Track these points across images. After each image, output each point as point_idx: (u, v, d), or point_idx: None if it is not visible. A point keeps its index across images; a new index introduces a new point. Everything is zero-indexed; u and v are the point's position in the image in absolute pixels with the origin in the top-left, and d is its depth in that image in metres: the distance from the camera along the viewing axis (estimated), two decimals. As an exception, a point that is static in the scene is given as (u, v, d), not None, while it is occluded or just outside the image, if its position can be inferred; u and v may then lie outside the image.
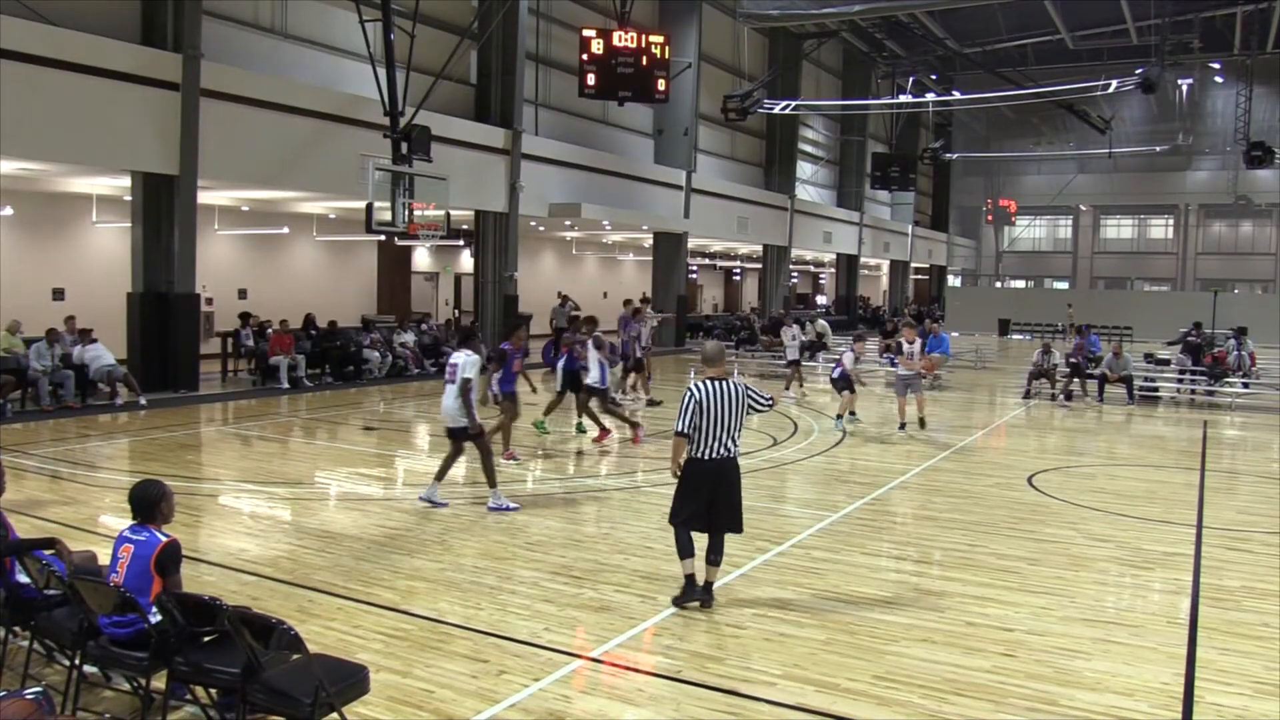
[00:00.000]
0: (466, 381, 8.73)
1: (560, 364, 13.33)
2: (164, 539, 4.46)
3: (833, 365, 14.12)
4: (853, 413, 14.53)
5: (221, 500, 9.37)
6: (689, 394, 6.28)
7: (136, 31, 15.82)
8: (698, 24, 29.68)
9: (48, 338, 14.59)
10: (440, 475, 9.10)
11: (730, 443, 6.32)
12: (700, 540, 6.42)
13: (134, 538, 4.49)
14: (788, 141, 37.47)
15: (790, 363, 18.58)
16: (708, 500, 6.29)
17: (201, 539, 7.83)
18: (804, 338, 19.46)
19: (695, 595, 6.34)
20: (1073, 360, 18.88)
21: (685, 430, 6.28)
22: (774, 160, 37.40)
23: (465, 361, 8.80)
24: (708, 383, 6.30)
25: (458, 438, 8.97)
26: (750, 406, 6.41)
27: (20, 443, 11.76)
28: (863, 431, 14.13)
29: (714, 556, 6.40)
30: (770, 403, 6.64)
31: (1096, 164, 50.89)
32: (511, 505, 8.87)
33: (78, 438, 12.62)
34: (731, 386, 6.30)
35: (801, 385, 18.57)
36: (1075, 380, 18.70)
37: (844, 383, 14.40)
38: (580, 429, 13.28)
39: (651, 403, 16.71)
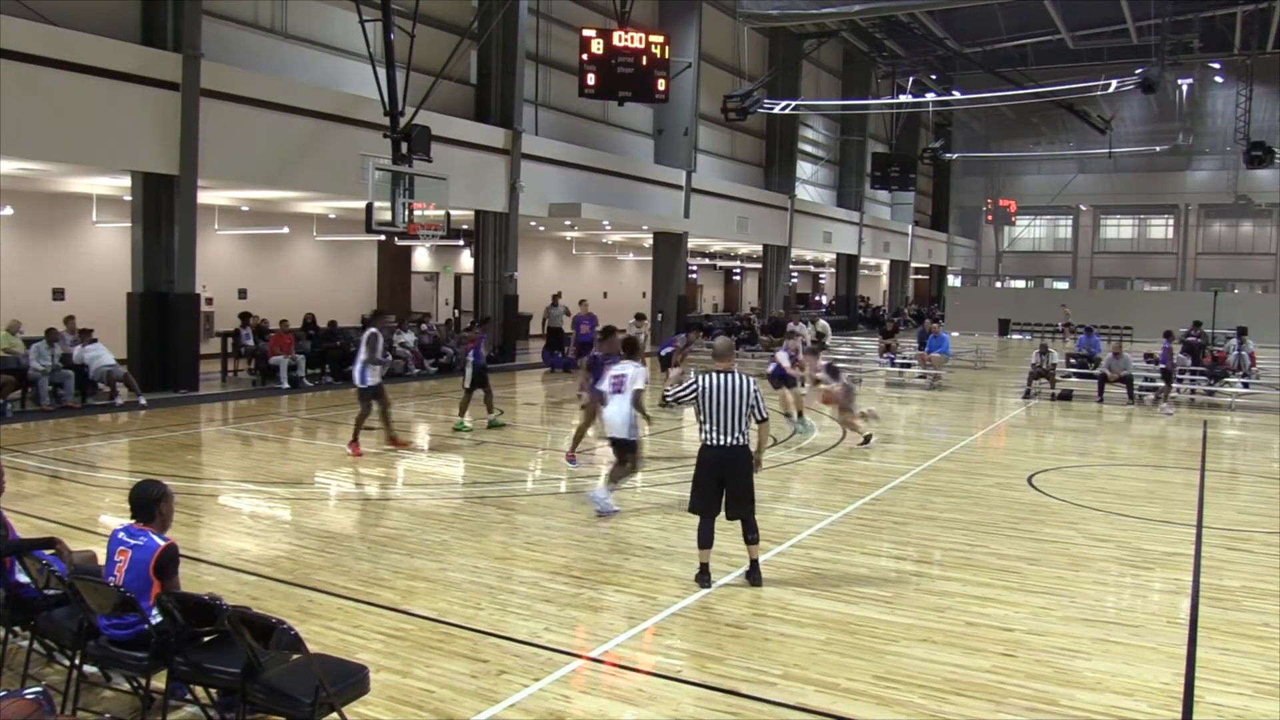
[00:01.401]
0: (638, 393, 8.89)
1: (470, 359, 13.72)
2: (162, 542, 4.43)
3: (770, 363, 14.16)
4: (800, 414, 14.21)
5: (221, 500, 9.37)
6: (697, 379, 6.78)
7: (136, 31, 15.82)
8: (698, 24, 29.67)
9: (48, 338, 14.59)
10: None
11: (739, 432, 6.69)
12: (722, 526, 6.84)
13: (131, 541, 4.45)
14: (788, 141, 37.47)
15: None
16: (719, 485, 6.69)
17: (201, 539, 7.83)
18: (809, 337, 19.39)
19: (707, 582, 6.71)
20: (1163, 366, 18.30)
21: (671, 397, 7.10)
22: (774, 160, 37.40)
23: (635, 373, 8.93)
24: (715, 375, 6.75)
25: (621, 448, 8.97)
26: (754, 406, 6.79)
27: (20, 443, 11.75)
28: (811, 437, 14.02)
29: (750, 535, 6.79)
30: (763, 419, 6.98)
31: (1096, 164, 50.93)
32: (613, 508, 8.71)
33: (78, 438, 12.62)
34: (739, 379, 6.74)
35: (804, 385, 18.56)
36: (1168, 385, 18.07)
37: (779, 380, 14.26)
38: (495, 423, 13.75)
39: (665, 403, 16.71)
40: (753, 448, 6.91)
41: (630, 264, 38.49)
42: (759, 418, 6.89)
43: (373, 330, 11.78)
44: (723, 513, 6.78)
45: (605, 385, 9.07)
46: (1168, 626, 6.19)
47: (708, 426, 6.67)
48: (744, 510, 6.77)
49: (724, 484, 6.70)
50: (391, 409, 12.39)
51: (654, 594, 6.58)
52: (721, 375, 6.73)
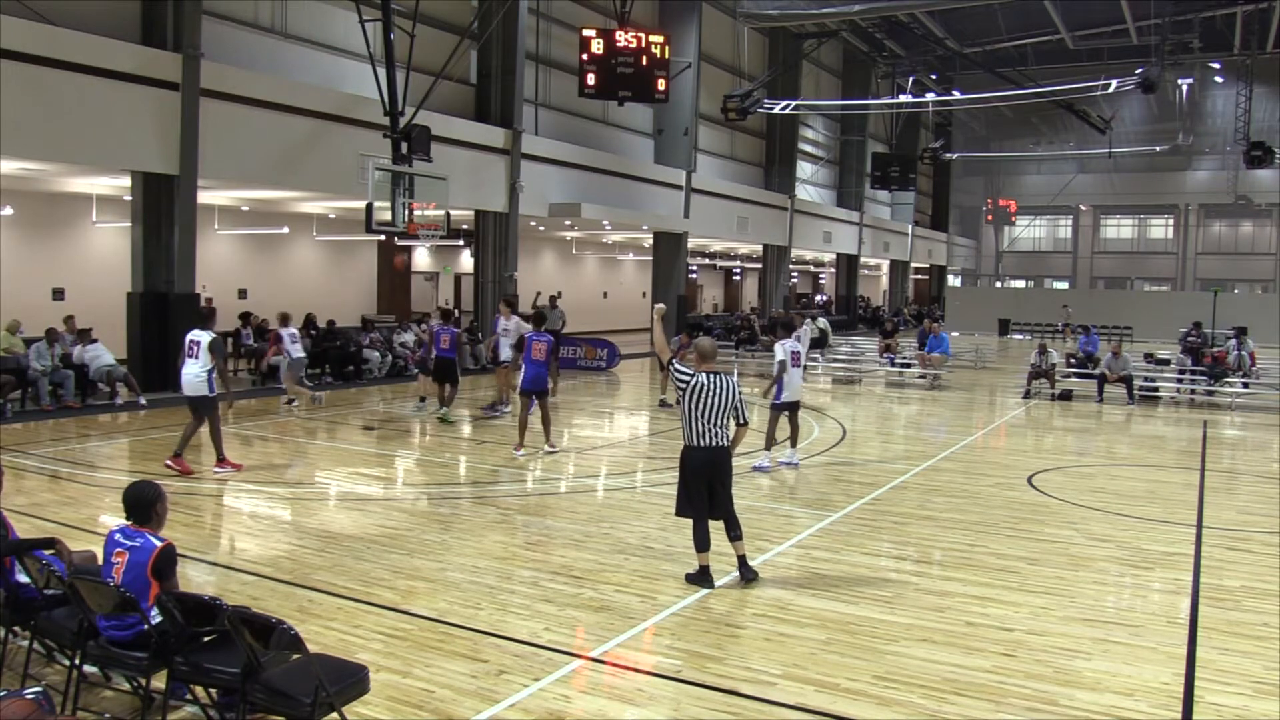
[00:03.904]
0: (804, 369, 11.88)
1: (435, 354, 14.45)
2: (159, 544, 4.43)
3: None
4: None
5: (221, 500, 9.37)
6: (693, 376, 6.81)
7: (136, 31, 15.82)
8: (698, 24, 29.67)
9: (48, 338, 14.59)
10: (793, 441, 11.31)
11: (722, 432, 6.81)
12: (715, 526, 6.90)
13: (128, 543, 4.44)
14: (788, 141, 37.48)
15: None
16: (707, 487, 6.79)
17: (201, 539, 7.83)
18: (812, 337, 18.81)
19: (709, 583, 6.74)
20: None
21: (675, 369, 6.89)
22: (774, 160, 37.41)
23: (803, 350, 11.71)
24: (705, 375, 6.83)
25: (796, 410, 11.24)
26: (736, 407, 6.88)
27: (20, 443, 11.75)
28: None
29: (734, 532, 6.89)
30: (744, 422, 7.03)
31: (1096, 164, 50.92)
32: (768, 465, 10.93)
33: (78, 438, 12.62)
34: (725, 381, 6.82)
35: None
36: None
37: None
38: (445, 419, 14.23)
39: (664, 404, 16.56)
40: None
41: (630, 264, 38.49)
42: (740, 420, 6.93)
43: (216, 335, 10.27)
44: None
45: (792, 359, 10.91)
46: (1168, 626, 6.19)
47: (694, 427, 6.75)
48: (727, 509, 6.85)
49: (713, 484, 6.77)
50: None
51: (654, 594, 6.58)
52: (710, 376, 6.81)
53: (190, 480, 9.88)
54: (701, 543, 6.81)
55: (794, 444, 11.37)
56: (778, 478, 10.86)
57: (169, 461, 10.18)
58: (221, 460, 10.38)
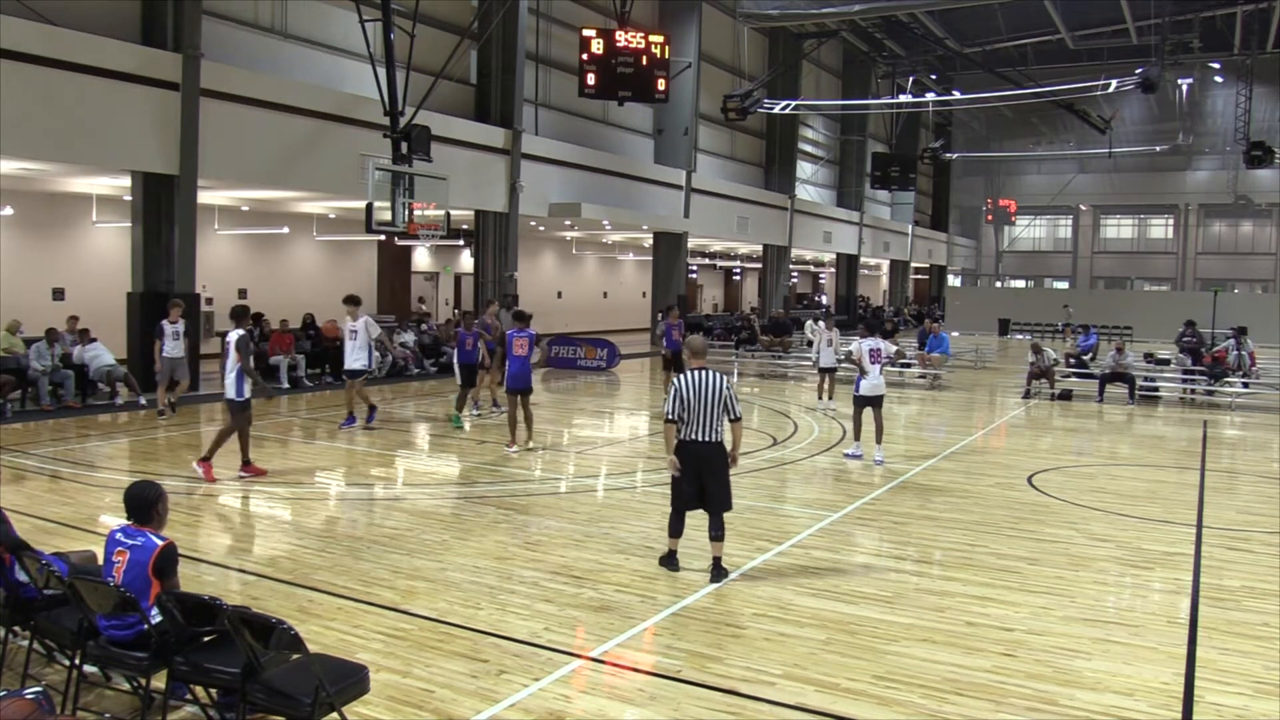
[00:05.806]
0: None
1: (455, 358, 14.46)
2: (160, 543, 4.43)
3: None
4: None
5: (221, 500, 9.37)
6: (673, 384, 6.92)
7: (136, 31, 15.82)
8: (698, 24, 29.68)
9: (48, 338, 14.59)
10: (878, 438, 11.58)
11: (713, 428, 6.85)
12: (703, 520, 7.03)
13: (129, 542, 4.44)
14: (788, 141, 37.48)
15: (823, 370, 16.82)
16: (699, 481, 6.86)
17: (201, 539, 7.83)
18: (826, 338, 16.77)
19: (675, 565, 7.02)
20: None
21: (671, 417, 6.90)
22: (774, 160, 37.41)
23: (889, 346, 12.13)
24: (690, 373, 6.91)
25: (879, 405, 11.63)
26: (726, 404, 6.88)
27: (20, 443, 11.75)
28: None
29: (716, 533, 6.92)
30: (736, 418, 7.01)
31: (1096, 164, 50.97)
32: (859, 453, 11.59)
33: (78, 438, 12.61)
34: (713, 376, 6.88)
35: (832, 396, 16.97)
36: None
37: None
38: (458, 422, 14.13)
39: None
40: (728, 446, 7.02)
41: (630, 264, 38.50)
42: (732, 416, 6.94)
43: (243, 333, 10.01)
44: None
45: (866, 359, 11.40)
46: (1168, 626, 6.19)
47: (685, 423, 6.84)
48: (717, 507, 6.89)
49: (702, 480, 6.84)
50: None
51: (654, 594, 6.58)
52: (697, 373, 6.88)
53: (193, 481, 9.86)
54: (673, 529, 6.99)
55: (878, 440, 11.58)
56: (775, 475, 10.86)
57: (196, 465, 10.00)
58: (246, 464, 10.13)
